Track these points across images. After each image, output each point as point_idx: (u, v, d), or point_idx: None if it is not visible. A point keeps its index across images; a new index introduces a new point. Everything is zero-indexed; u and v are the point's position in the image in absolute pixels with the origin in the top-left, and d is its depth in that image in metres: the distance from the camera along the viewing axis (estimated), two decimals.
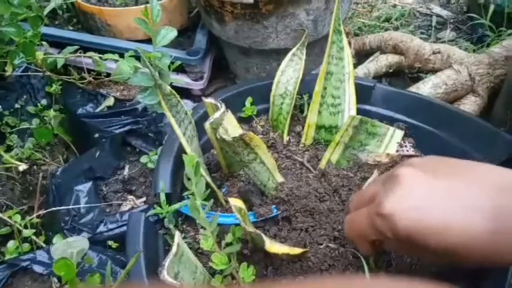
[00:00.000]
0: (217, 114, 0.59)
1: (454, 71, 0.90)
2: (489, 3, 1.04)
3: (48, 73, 0.90)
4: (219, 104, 0.61)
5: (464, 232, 0.34)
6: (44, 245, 0.64)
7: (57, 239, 0.59)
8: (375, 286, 0.31)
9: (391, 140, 0.70)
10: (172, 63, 0.67)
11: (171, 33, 0.63)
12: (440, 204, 0.36)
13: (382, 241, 0.42)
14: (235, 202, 0.52)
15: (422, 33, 1.18)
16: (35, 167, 0.83)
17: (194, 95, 1.01)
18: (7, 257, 0.62)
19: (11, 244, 0.64)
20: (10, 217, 0.66)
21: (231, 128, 0.63)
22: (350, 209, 0.48)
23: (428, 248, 0.36)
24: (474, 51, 1.04)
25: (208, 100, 0.64)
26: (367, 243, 0.44)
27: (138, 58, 0.64)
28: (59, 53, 0.94)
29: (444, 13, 1.25)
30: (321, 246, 0.59)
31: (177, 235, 0.46)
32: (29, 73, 0.90)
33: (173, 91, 0.58)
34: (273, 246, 0.48)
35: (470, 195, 0.35)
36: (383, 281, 0.32)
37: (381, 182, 0.42)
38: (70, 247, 0.44)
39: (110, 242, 0.65)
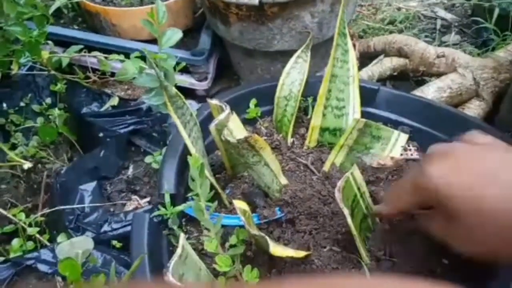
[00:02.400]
0: (222, 116, 0.60)
1: (458, 75, 0.90)
2: (494, 7, 1.03)
3: (53, 72, 0.91)
4: (224, 106, 0.61)
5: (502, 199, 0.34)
6: (48, 244, 0.64)
7: (61, 238, 0.59)
8: (379, 285, 0.31)
9: (395, 144, 0.70)
10: (177, 64, 0.68)
11: (177, 35, 0.63)
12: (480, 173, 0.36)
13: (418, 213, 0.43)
14: (239, 204, 0.52)
15: (426, 36, 1.17)
16: (39, 165, 0.83)
17: (198, 96, 1.01)
18: (12, 255, 0.62)
19: (15, 242, 0.64)
20: (14, 215, 0.66)
21: (236, 130, 0.63)
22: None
23: (461, 216, 0.36)
24: (478, 55, 1.04)
25: (213, 102, 0.64)
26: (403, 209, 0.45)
27: (143, 58, 0.64)
28: (64, 52, 0.94)
29: (449, 16, 1.25)
30: (325, 249, 0.59)
31: (182, 237, 0.46)
32: (34, 72, 0.91)
33: (179, 93, 0.58)
34: (277, 249, 0.48)
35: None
36: (387, 280, 0.32)
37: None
38: (75, 247, 0.44)
39: (114, 242, 0.65)
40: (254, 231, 0.49)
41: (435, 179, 0.38)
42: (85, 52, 0.94)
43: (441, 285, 0.29)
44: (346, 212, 0.49)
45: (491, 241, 0.36)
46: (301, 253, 0.53)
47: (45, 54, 0.83)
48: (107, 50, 0.95)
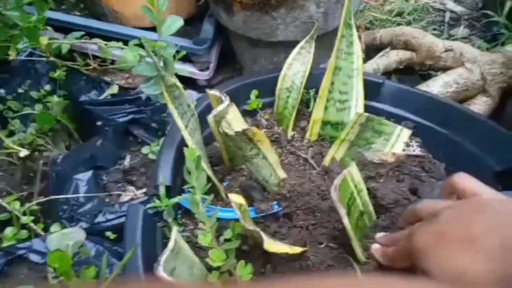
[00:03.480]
0: (220, 107, 0.58)
1: (466, 70, 0.87)
2: (506, 0, 1.00)
3: (52, 58, 0.89)
4: (223, 97, 0.60)
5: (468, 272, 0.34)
6: (42, 233, 0.63)
7: (54, 228, 0.59)
8: (376, 284, 0.30)
9: (397, 139, 0.69)
10: (177, 52, 0.66)
11: (177, 22, 0.61)
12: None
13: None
14: (235, 198, 0.51)
15: (434, 29, 1.15)
16: (36, 153, 0.82)
17: (200, 85, 1.00)
18: (5, 243, 0.61)
19: (9, 230, 0.64)
20: (9, 203, 0.66)
21: (235, 122, 0.62)
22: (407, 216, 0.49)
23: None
24: (487, 49, 1.01)
25: (212, 92, 0.62)
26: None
27: (143, 46, 0.63)
28: (64, 38, 0.92)
29: (458, 9, 1.22)
30: (321, 246, 0.57)
31: (175, 231, 0.45)
32: (34, 58, 0.89)
33: (177, 83, 0.56)
34: (272, 245, 0.47)
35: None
36: (384, 279, 0.31)
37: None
38: (66, 238, 0.43)
39: (108, 233, 0.64)
40: (249, 226, 0.48)
41: (418, 244, 0.39)
42: (86, 39, 0.92)
43: (437, 284, 0.29)
44: (343, 212, 0.48)
45: None
46: (296, 250, 0.51)
47: (44, 40, 0.82)
48: (108, 37, 0.93)
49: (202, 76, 0.97)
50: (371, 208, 0.60)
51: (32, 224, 0.64)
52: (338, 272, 0.54)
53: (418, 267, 0.39)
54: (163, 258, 0.42)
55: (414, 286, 0.30)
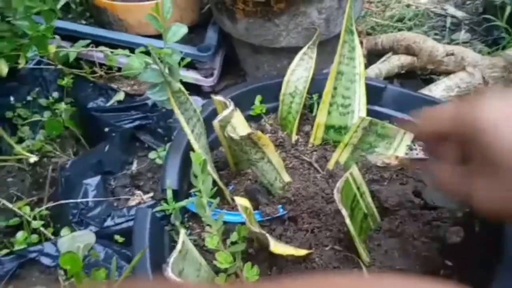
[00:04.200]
0: (225, 112, 0.59)
1: (467, 74, 0.88)
2: (506, 5, 1.02)
3: (60, 66, 0.91)
4: (228, 102, 0.61)
5: None
6: (52, 237, 0.65)
7: (64, 232, 0.60)
8: (378, 284, 0.29)
9: (400, 143, 0.70)
10: (182, 59, 0.68)
11: (182, 30, 0.63)
12: None
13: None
14: (241, 201, 0.52)
15: (436, 34, 1.16)
16: (45, 159, 0.84)
17: (204, 92, 1.01)
18: (16, 247, 0.63)
19: (20, 235, 0.65)
20: (19, 208, 0.67)
21: (239, 126, 0.63)
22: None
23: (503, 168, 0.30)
24: (488, 53, 1.02)
25: (217, 98, 0.64)
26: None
27: (148, 53, 0.64)
28: (71, 46, 0.95)
29: (459, 14, 1.23)
30: (327, 248, 0.58)
31: (182, 233, 0.46)
32: (42, 66, 0.91)
33: (182, 89, 0.58)
34: (278, 247, 0.48)
35: None
36: (386, 278, 0.31)
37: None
38: (76, 241, 0.45)
39: (116, 236, 0.66)
40: (255, 229, 0.49)
41: (483, 113, 0.31)
42: (92, 46, 0.94)
43: (440, 283, 0.27)
44: (345, 213, 0.48)
45: None
46: (302, 252, 0.52)
47: (52, 48, 0.84)
48: (114, 45, 0.95)
49: (206, 82, 0.99)
50: (375, 210, 0.61)
51: (42, 229, 0.65)
52: (344, 271, 0.55)
53: (478, 154, 0.32)
54: (171, 259, 0.43)
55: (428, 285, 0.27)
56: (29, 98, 0.90)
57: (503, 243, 0.51)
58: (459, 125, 0.34)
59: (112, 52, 0.88)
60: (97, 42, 0.96)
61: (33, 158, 0.76)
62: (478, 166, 0.33)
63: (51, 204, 0.68)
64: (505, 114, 0.31)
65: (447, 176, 0.37)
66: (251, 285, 0.43)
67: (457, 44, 1.09)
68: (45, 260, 0.55)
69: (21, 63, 0.81)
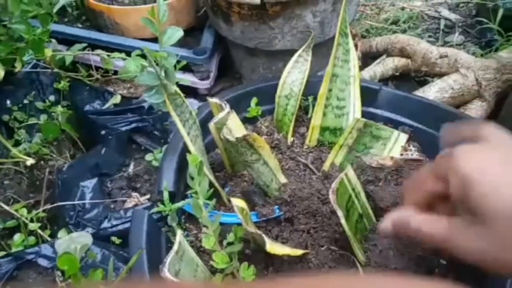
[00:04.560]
0: (221, 114, 0.60)
1: (461, 76, 0.89)
2: (499, 7, 1.03)
3: (56, 69, 0.92)
4: (223, 104, 0.62)
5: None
6: (49, 239, 0.65)
7: (61, 234, 0.60)
8: (372, 283, 0.29)
9: (395, 144, 0.70)
10: (178, 62, 0.68)
11: (178, 33, 0.63)
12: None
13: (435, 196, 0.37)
14: (237, 202, 0.52)
15: (430, 36, 1.17)
16: (42, 162, 0.84)
17: (200, 94, 1.02)
18: (13, 249, 0.63)
19: (17, 237, 0.65)
20: (17, 211, 0.67)
21: (236, 128, 0.64)
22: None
23: (489, 217, 0.30)
24: (482, 55, 1.03)
25: (213, 100, 0.64)
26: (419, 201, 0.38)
27: (145, 56, 0.65)
28: (67, 50, 0.95)
29: (453, 16, 1.25)
30: (322, 248, 0.59)
31: (179, 234, 0.47)
32: (38, 69, 0.92)
33: (178, 91, 0.58)
34: (274, 247, 0.49)
35: None
36: (381, 278, 0.31)
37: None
38: (74, 242, 0.45)
39: (113, 238, 0.66)
40: (251, 229, 0.50)
41: (465, 163, 0.31)
42: (88, 50, 0.95)
43: (435, 282, 0.28)
44: (340, 213, 0.49)
45: None
46: (298, 252, 0.53)
47: (48, 52, 0.84)
48: (110, 48, 0.96)
49: (202, 85, 0.99)
50: (370, 211, 0.61)
51: (39, 231, 0.65)
52: (339, 271, 0.55)
53: (460, 203, 0.32)
54: (168, 260, 0.43)
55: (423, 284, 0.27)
56: (25, 101, 0.90)
57: None
58: (442, 189, 0.35)
59: (108, 56, 0.88)
60: (93, 45, 0.96)
61: (29, 161, 0.76)
62: (467, 218, 0.33)
63: (48, 206, 0.68)
64: (481, 159, 0.32)
65: (440, 227, 0.35)
66: (246, 285, 0.43)
67: (451, 46, 1.10)
68: (43, 262, 0.55)
69: (18, 67, 0.82)
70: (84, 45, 0.94)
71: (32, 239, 0.65)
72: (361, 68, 1.01)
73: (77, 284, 0.43)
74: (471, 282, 0.52)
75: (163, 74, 0.60)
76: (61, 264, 0.41)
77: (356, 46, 1.04)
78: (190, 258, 0.50)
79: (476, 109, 0.87)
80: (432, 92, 0.88)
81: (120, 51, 0.93)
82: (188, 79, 0.97)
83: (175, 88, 0.57)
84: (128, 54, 0.89)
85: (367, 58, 1.07)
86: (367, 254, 0.58)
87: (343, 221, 0.50)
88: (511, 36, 1.01)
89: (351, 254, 0.56)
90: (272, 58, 0.93)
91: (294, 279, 0.32)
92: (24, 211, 0.67)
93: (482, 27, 1.11)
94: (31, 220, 0.66)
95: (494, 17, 1.04)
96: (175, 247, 0.45)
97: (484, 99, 0.88)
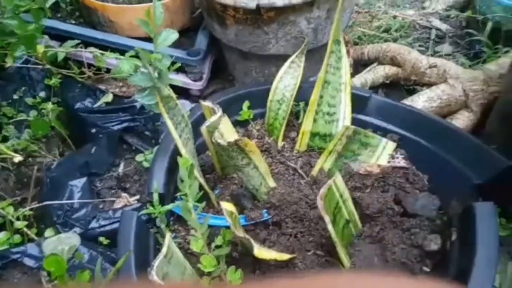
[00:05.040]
0: (213, 118, 0.60)
1: (449, 86, 0.91)
2: (487, 20, 1.05)
3: (48, 66, 0.91)
4: (216, 108, 0.62)
5: None
6: (35, 238, 0.64)
7: (48, 233, 0.60)
8: (359, 281, 0.30)
9: (383, 152, 0.72)
10: (172, 64, 0.68)
11: (172, 36, 0.63)
12: None
13: None
14: (227, 206, 0.53)
15: (420, 45, 1.19)
16: (30, 159, 0.83)
17: (192, 95, 1.02)
18: None
19: (2, 235, 0.64)
20: (3, 208, 0.67)
21: (227, 132, 0.64)
22: None
23: None
24: (470, 66, 1.05)
25: (206, 103, 0.65)
26: None
27: (138, 57, 0.65)
28: (60, 46, 0.94)
29: (444, 26, 1.27)
30: (309, 253, 0.60)
31: (168, 237, 0.47)
32: (29, 65, 0.91)
33: (172, 94, 0.58)
34: (262, 252, 0.49)
35: None
36: (368, 276, 0.31)
37: None
38: (61, 243, 0.45)
39: (101, 238, 0.66)
40: (240, 233, 0.50)
41: None
42: (81, 47, 0.94)
43: (421, 280, 0.28)
44: (327, 219, 0.50)
45: None
46: (284, 256, 0.54)
47: (40, 48, 0.84)
48: (103, 46, 0.95)
49: (195, 86, 0.99)
50: (356, 217, 0.62)
51: (25, 229, 0.64)
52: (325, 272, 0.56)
53: None
54: (156, 263, 0.44)
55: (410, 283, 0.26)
56: (15, 97, 0.89)
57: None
58: None
59: (102, 54, 0.88)
60: (86, 42, 0.95)
61: (17, 158, 0.75)
62: None
63: (35, 204, 0.67)
64: None
65: None
66: (234, 286, 0.44)
67: (440, 56, 1.12)
68: (28, 262, 0.55)
69: (8, 62, 0.81)
70: (77, 41, 0.94)
71: (17, 237, 0.64)
72: (352, 75, 1.02)
73: (64, 286, 0.42)
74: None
75: (156, 75, 0.61)
76: (47, 265, 0.41)
77: (348, 52, 1.05)
78: (178, 261, 0.50)
79: (462, 119, 0.89)
80: (421, 101, 0.90)
81: (113, 49, 0.93)
82: (180, 79, 0.97)
83: (168, 91, 0.57)
84: (122, 52, 0.89)
85: (358, 65, 1.08)
86: (352, 260, 0.59)
87: (330, 226, 0.51)
88: (499, 49, 1.03)
89: (337, 259, 0.56)
90: (265, 62, 0.94)
91: (281, 280, 0.31)
92: (11, 208, 0.67)
93: (471, 39, 1.13)
94: (18, 218, 0.66)
95: (483, 29, 1.06)
96: (164, 250, 0.45)
97: (470, 109, 0.90)
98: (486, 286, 0.49)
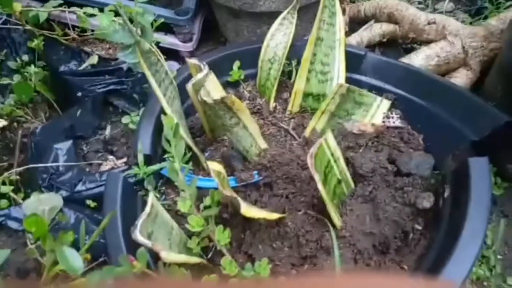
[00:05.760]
0: (199, 75, 0.58)
1: (448, 43, 0.88)
2: None
3: (29, 27, 0.87)
4: (202, 65, 0.59)
5: None
6: (22, 202, 0.63)
7: (34, 197, 0.58)
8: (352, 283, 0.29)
9: (377, 110, 0.69)
10: (155, 21, 0.65)
11: None
12: None
13: None
14: (214, 166, 0.51)
15: (419, 3, 1.14)
16: (16, 124, 0.81)
17: (183, 57, 0.98)
18: None
19: None
20: None
21: (214, 91, 0.62)
22: None
23: None
24: (471, 23, 1.01)
25: (192, 61, 0.62)
26: None
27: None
28: (42, 6, 0.90)
29: None
30: (300, 213, 0.59)
31: (151, 196, 0.46)
32: (9, 26, 0.87)
33: (153, 48, 0.56)
34: (250, 210, 0.48)
35: None
36: (360, 278, 0.31)
37: None
38: (42, 204, 0.43)
39: (88, 202, 0.65)
40: (227, 192, 0.49)
41: None
42: (64, 7, 0.90)
43: (407, 278, 0.27)
44: (317, 177, 0.48)
45: None
46: (274, 215, 0.53)
47: (17, 6, 0.79)
48: (87, 6, 0.91)
49: (185, 47, 0.96)
50: (349, 176, 0.61)
51: (12, 193, 0.63)
52: (316, 236, 0.55)
53: None
54: (139, 221, 0.42)
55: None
56: None
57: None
58: None
59: (84, 13, 0.83)
60: (69, 2, 0.91)
61: (2, 123, 0.73)
62: None
63: (21, 168, 0.66)
64: None
65: None
66: (235, 284, 0.43)
67: (441, 13, 1.07)
68: (13, 224, 0.54)
69: None
70: (60, 1, 0.89)
71: (4, 202, 0.63)
72: (349, 33, 0.98)
73: (47, 247, 0.42)
74: (442, 249, 0.53)
75: (138, 31, 0.57)
76: (28, 226, 0.40)
77: (344, 10, 1.01)
78: (164, 221, 0.49)
79: (461, 77, 0.86)
80: (418, 59, 0.86)
81: (96, 8, 0.88)
82: (169, 41, 0.93)
83: (149, 45, 0.54)
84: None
85: (354, 24, 1.04)
86: (344, 219, 0.58)
87: (319, 185, 0.49)
88: (501, 4, 0.99)
89: (327, 219, 0.56)
90: (256, 21, 0.90)
91: (279, 280, 0.31)
92: None
93: None
94: (3, 183, 0.65)
95: None
96: (147, 209, 0.44)
97: (469, 67, 0.87)
98: (477, 242, 0.49)
